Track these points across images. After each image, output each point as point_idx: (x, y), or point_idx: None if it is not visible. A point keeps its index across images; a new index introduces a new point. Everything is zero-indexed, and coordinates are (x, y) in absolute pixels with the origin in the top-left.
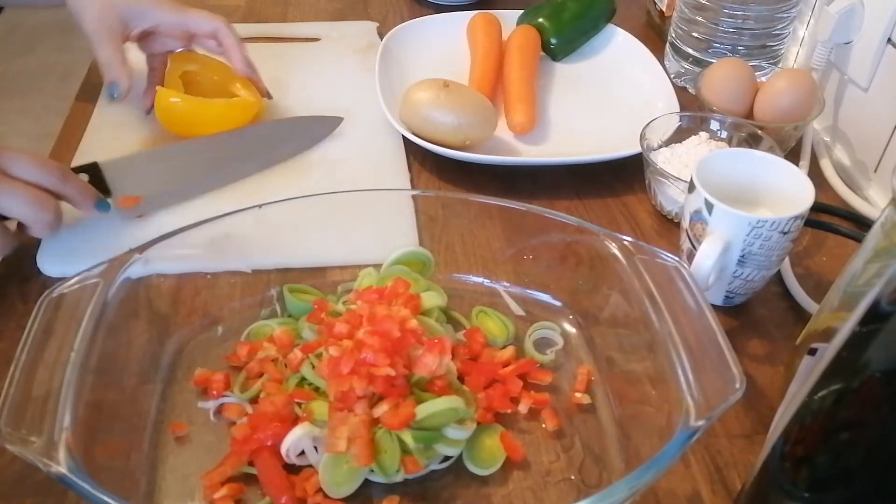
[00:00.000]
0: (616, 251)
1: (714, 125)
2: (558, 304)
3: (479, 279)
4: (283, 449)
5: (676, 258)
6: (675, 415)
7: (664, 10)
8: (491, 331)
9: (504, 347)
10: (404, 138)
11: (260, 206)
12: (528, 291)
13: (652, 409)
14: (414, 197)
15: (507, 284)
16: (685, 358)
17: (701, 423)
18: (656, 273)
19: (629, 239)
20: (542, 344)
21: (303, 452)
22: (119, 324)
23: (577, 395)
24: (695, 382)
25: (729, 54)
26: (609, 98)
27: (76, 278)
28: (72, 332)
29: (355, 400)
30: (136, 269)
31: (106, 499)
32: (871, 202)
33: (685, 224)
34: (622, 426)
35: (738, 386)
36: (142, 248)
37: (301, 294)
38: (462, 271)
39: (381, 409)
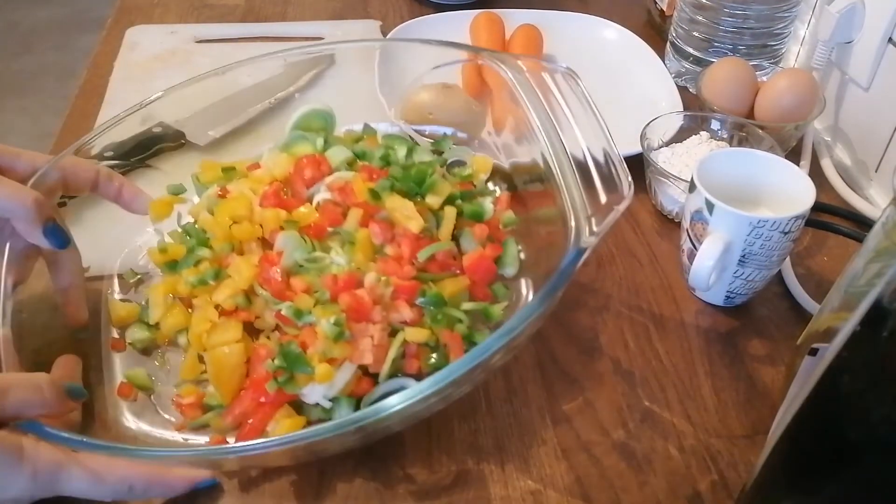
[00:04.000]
0: (505, 71)
1: (715, 125)
2: (463, 135)
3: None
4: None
5: (565, 66)
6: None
7: (665, 9)
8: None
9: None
10: None
11: None
12: (433, 127)
13: (553, 236)
14: None
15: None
16: (576, 173)
17: (592, 239)
18: (547, 84)
19: (516, 56)
20: (455, 166)
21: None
22: None
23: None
24: (587, 199)
25: (730, 54)
26: (610, 97)
27: None
28: None
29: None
30: None
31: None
32: (871, 202)
33: (686, 224)
34: (528, 260)
35: (625, 194)
36: None
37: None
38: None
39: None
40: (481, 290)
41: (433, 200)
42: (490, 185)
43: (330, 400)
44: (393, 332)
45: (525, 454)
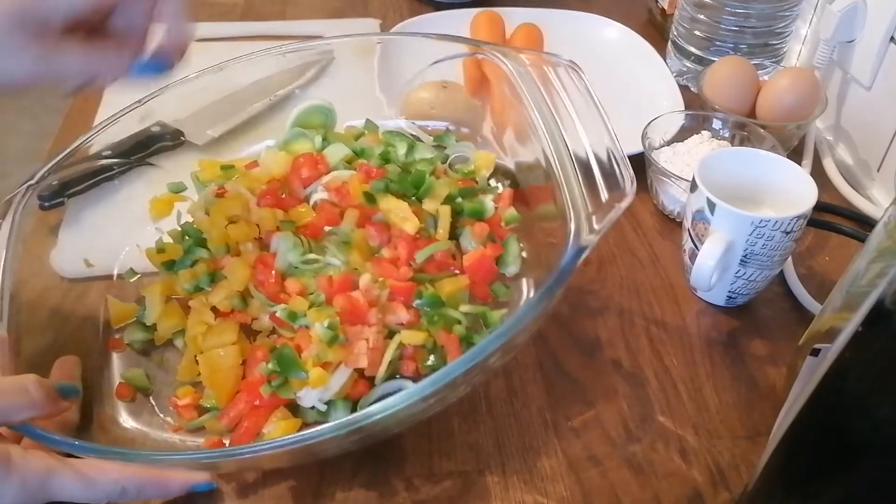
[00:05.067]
0: (508, 65)
1: (716, 124)
2: (467, 130)
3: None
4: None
5: (568, 59)
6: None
7: (666, 8)
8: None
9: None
10: None
11: None
12: (432, 123)
13: (555, 233)
14: None
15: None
16: (577, 170)
17: (592, 238)
18: (549, 78)
19: (518, 49)
20: (457, 161)
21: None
22: None
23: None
24: (588, 196)
25: (731, 52)
26: (612, 96)
27: None
28: None
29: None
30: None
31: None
32: (874, 201)
33: (687, 224)
34: (530, 258)
35: (627, 192)
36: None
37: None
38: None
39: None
40: (481, 289)
41: (430, 206)
42: (492, 182)
43: (326, 403)
44: (390, 334)
45: (525, 456)
